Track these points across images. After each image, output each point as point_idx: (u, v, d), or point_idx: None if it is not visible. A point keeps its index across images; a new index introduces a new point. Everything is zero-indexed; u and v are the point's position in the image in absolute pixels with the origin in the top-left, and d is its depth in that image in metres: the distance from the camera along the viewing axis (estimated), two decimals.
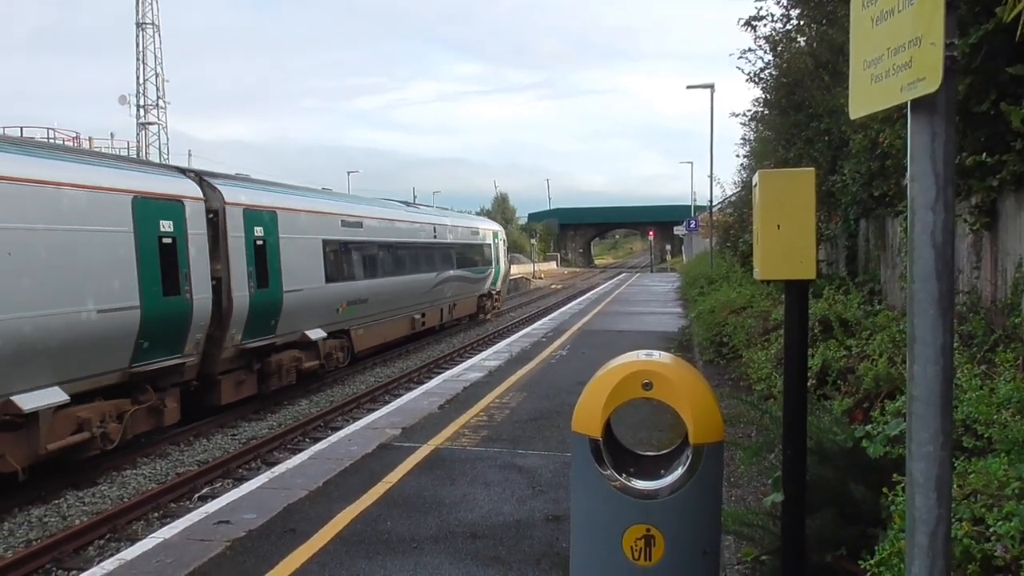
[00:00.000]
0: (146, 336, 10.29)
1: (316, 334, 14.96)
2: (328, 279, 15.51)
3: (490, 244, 29.25)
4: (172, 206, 11.03)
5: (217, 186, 12.54)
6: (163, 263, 10.67)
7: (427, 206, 29.12)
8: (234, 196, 12.76)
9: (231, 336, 12.37)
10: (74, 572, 6.78)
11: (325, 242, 15.59)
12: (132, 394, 10.43)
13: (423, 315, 21.66)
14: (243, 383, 13.09)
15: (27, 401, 8.41)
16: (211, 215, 12.06)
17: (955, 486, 2.92)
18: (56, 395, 8.83)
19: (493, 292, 29.67)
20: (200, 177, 12.44)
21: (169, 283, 10.78)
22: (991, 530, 2.63)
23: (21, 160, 8.76)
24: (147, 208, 10.47)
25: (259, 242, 13.14)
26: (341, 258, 16.40)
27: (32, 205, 8.65)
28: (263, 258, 13.20)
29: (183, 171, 12.55)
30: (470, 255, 26.46)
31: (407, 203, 25.76)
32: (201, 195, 11.88)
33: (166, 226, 10.82)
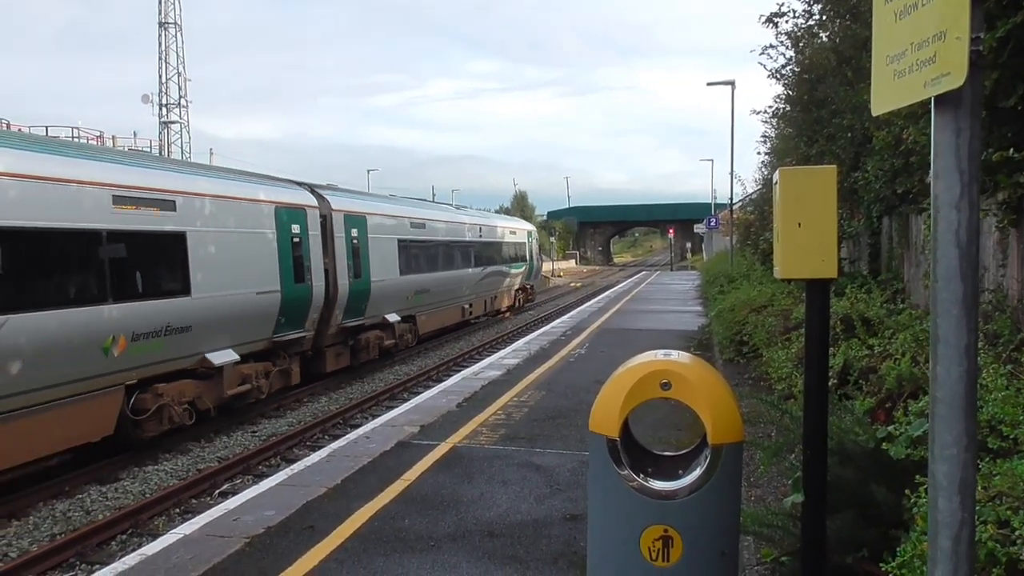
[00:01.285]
0: (284, 313, 13.27)
1: (393, 317, 18.05)
2: (401, 272, 18.52)
3: (525, 242, 32.04)
4: (299, 213, 14.03)
5: (325, 196, 15.47)
6: (294, 257, 13.61)
7: (472, 208, 31.52)
8: (338, 204, 15.80)
9: (335, 316, 15.29)
10: (97, 566, 6.85)
11: (399, 241, 18.56)
12: (271, 358, 13.33)
13: (471, 304, 24.58)
14: (341, 355, 16.05)
15: (216, 358, 11.50)
16: (321, 219, 14.84)
17: (980, 488, 2.86)
18: (232, 355, 11.86)
19: (527, 286, 32.73)
20: (312, 188, 15.35)
21: (298, 273, 13.68)
22: (1016, 533, 2.58)
23: (212, 181, 12.03)
24: (284, 215, 13.50)
25: (354, 241, 16.14)
26: (410, 254, 19.28)
27: (220, 214, 11.74)
28: (357, 254, 16.21)
29: (300, 184, 15.21)
30: (509, 252, 29.38)
31: (456, 206, 29.04)
32: (316, 204, 14.83)
33: (295, 229, 13.80)
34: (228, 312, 11.70)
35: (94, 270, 9.38)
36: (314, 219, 14.45)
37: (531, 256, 32.90)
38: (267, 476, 8.02)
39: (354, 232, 16.14)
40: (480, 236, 25.75)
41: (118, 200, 9.74)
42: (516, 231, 31.27)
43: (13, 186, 8.31)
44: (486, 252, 26.14)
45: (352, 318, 16.00)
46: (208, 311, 11.22)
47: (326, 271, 14.74)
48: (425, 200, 26.27)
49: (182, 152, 50.97)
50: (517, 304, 30.93)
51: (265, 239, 12.85)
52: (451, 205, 28.09)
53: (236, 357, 11.90)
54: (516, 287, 30.72)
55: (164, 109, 51.98)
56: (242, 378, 12.27)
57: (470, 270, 24.16)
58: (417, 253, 19.74)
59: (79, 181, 9.21)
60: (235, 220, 12.09)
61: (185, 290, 10.80)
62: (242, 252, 12.16)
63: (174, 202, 10.73)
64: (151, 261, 10.37)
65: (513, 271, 29.82)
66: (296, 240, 13.73)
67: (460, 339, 22.96)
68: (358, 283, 16.04)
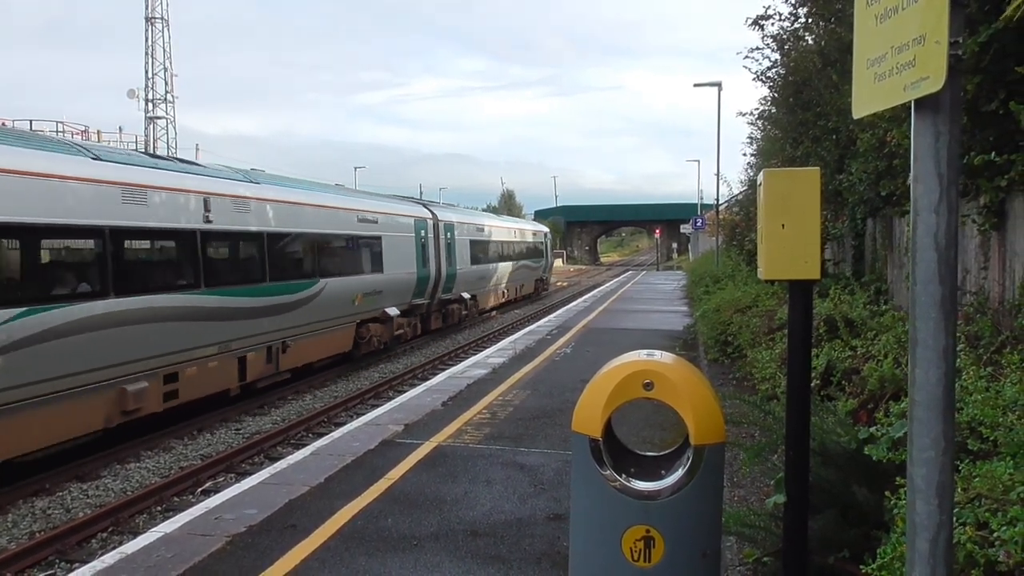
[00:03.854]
0: (416, 287, 20.60)
1: (466, 295, 25.39)
2: (471, 263, 26.06)
3: (542, 242, 40.43)
4: (424, 222, 21.75)
5: (433, 210, 23.48)
6: (421, 252, 21.01)
7: (500, 215, 41.82)
8: (441, 215, 23.64)
9: (438, 291, 22.54)
10: (76, 565, 6.76)
11: (470, 241, 26.16)
12: (408, 316, 20.31)
13: (507, 290, 32.21)
14: (438, 319, 23.25)
15: (390, 311, 18.63)
16: (433, 226, 22.39)
17: (959, 489, 2.88)
18: (395, 310, 19.04)
19: (544, 277, 41.23)
20: (425, 204, 24.13)
21: (423, 262, 21.10)
22: (995, 535, 2.60)
23: (388, 204, 20.18)
24: (417, 224, 21.15)
25: (448, 241, 23.62)
26: (476, 251, 26.81)
27: (392, 224, 19.28)
28: (450, 250, 23.70)
29: (419, 201, 24.71)
30: (532, 250, 37.27)
31: (496, 213, 41.77)
32: (431, 216, 22.49)
33: (422, 233, 21.31)
34: (395, 284, 19.06)
35: (352, 257, 16.94)
36: (430, 226, 22.09)
37: (546, 253, 41.53)
38: (250, 474, 7.96)
39: (448, 235, 23.66)
40: (514, 238, 33.89)
41: (360, 219, 17.40)
42: (536, 233, 39.46)
43: (329, 213, 16.05)
44: (518, 250, 34.25)
45: (446, 293, 23.37)
46: (389, 282, 18.62)
47: (435, 261, 22.19)
48: (477, 209, 36.13)
49: (167, 148, 50.52)
50: (536, 291, 38.87)
51: (410, 240, 20.40)
52: (488, 211, 39.04)
53: (397, 312, 19.16)
54: (536, 277, 38.58)
55: (150, 104, 51.51)
56: (399, 325, 19.51)
57: (509, 263, 32.13)
58: (479, 250, 27.37)
59: (348, 208, 17.10)
60: (398, 228, 19.61)
61: (381, 269, 18.20)
62: (401, 248, 19.60)
63: (377, 220, 18.35)
64: (369, 252, 17.73)
65: (535, 265, 37.82)
66: (423, 241, 21.19)
67: (445, 337, 23.01)
68: (450, 269, 23.47)
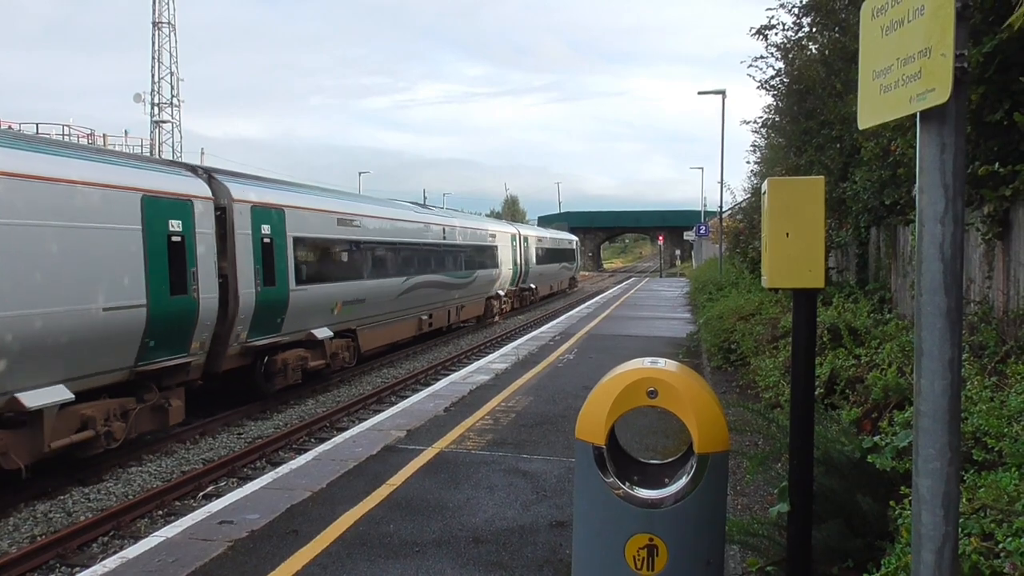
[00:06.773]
0: (511, 278, 31.66)
1: (533, 286, 36.00)
2: (536, 263, 36.45)
3: (574, 249, 50.31)
4: (514, 236, 32.56)
5: (516, 227, 34.78)
6: (514, 255, 32.21)
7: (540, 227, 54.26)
8: (521, 231, 34.56)
9: (519, 281, 33.09)
10: (78, 569, 6.79)
11: (535, 248, 36.56)
12: (507, 297, 31.27)
13: (553, 284, 42.49)
14: (518, 301, 33.48)
15: (500, 292, 30.71)
16: (518, 238, 33.30)
17: (964, 500, 2.87)
18: (502, 292, 30.60)
19: (575, 277, 51.64)
20: (511, 223, 38.57)
21: (515, 262, 32.13)
22: (1000, 546, 2.59)
23: (495, 224, 33.74)
24: (511, 237, 32.08)
25: (524, 248, 34.00)
26: (538, 254, 37.28)
27: (500, 236, 30.69)
28: (526, 254, 34.42)
29: (509, 221, 41.67)
30: (568, 254, 47.31)
31: (543, 226, 55.54)
32: (516, 232, 33.54)
33: (513, 243, 32.11)
34: (503, 275, 29.79)
35: (486, 258, 27.79)
36: (516, 238, 32.61)
37: (576, 256, 51.54)
38: (252, 479, 7.97)
39: (525, 243, 34.12)
40: (559, 246, 43.65)
41: (489, 235, 28.62)
42: (571, 241, 49.16)
43: (480, 232, 28.32)
44: (559, 253, 43.72)
45: (524, 283, 34.12)
46: (501, 275, 29.38)
47: (519, 261, 32.78)
48: (480, 214, 46.41)
49: (173, 152, 50.67)
50: (570, 286, 48.45)
51: (509, 248, 31.07)
52: (491, 216, 50.01)
53: (503, 293, 30.03)
54: (570, 276, 48.59)
55: (156, 108, 51.73)
56: (504, 302, 30.08)
57: (556, 264, 42.12)
58: (540, 255, 37.66)
59: (484, 228, 28.97)
60: (504, 240, 30.38)
61: (497, 266, 29.01)
62: (505, 253, 30.19)
63: (495, 235, 29.17)
64: (492, 255, 28.53)
65: (570, 266, 47.73)
66: (516, 248, 32.21)
67: (448, 343, 23.04)
68: (526, 267, 34.28)
